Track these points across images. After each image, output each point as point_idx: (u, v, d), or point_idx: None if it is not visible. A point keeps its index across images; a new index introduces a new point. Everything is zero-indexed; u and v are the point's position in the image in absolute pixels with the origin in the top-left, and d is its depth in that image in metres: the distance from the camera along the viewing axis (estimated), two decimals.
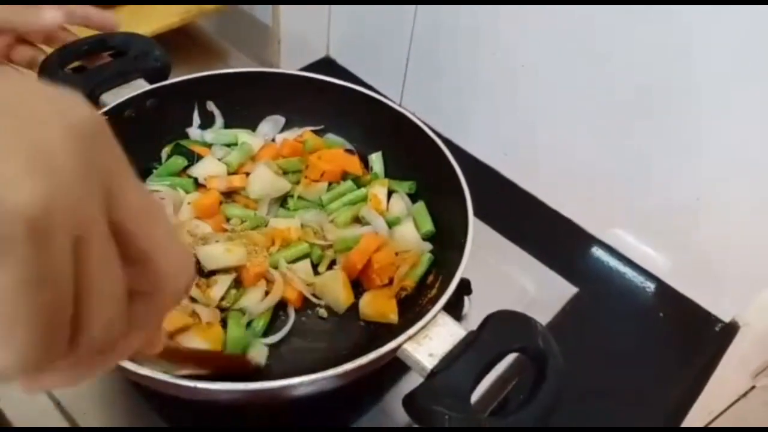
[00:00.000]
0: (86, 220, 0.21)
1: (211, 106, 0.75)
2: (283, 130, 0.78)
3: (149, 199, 0.25)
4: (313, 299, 0.64)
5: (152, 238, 0.24)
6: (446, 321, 0.51)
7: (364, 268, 0.63)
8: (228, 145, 0.75)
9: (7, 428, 0.59)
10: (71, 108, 0.23)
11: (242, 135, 0.75)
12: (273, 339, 0.61)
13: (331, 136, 0.78)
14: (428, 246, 0.67)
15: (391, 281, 0.63)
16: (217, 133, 0.75)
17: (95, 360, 0.25)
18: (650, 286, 0.82)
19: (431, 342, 0.49)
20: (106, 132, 0.24)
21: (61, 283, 0.21)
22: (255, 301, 0.61)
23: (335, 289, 0.62)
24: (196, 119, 0.75)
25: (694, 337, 0.77)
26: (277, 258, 0.64)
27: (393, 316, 0.61)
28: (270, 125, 0.77)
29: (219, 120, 0.76)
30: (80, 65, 0.69)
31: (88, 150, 0.22)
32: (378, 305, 0.61)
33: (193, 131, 0.75)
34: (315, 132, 0.77)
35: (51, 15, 0.64)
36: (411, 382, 0.61)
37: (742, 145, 0.66)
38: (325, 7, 1.01)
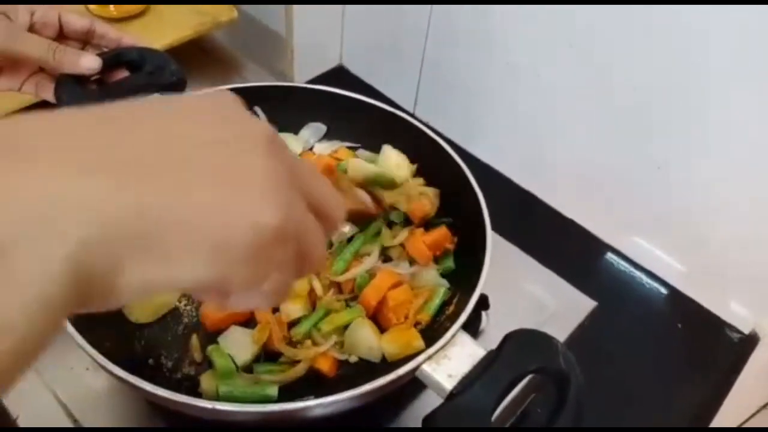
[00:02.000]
0: (301, 216, 0.30)
1: (257, 110, 0.76)
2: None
3: (314, 170, 0.33)
4: (343, 356, 0.60)
5: (325, 197, 0.33)
6: (465, 340, 0.51)
7: (379, 305, 0.61)
8: None
9: (11, 428, 0.60)
10: (255, 127, 0.29)
11: (285, 138, 0.75)
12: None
13: (363, 152, 0.77)
14: (445, 283, 0.65)
15: (406, 318, 0.61)
16: None
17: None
18: (668, 297, 0.80)
19: (450, 362, 0.49)
20: (278, 138, 0.30)
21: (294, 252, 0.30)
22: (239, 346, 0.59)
23: (368, 341, 0.59)
24: None
25: (713, 349, 0.76)
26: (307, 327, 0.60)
27: (418, 344, 0.57)
28: (311, 131, 0.78)
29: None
30: (96, 80, 0.69)
31: (282, 162, 0.29)
32: (401, 341, 0.58)
33: None
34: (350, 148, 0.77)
35: (89, 65, 0.64)
36: (428, 400, 0.60)
37: (758, 147, 0.65)
38: (338, 16, 1.01)
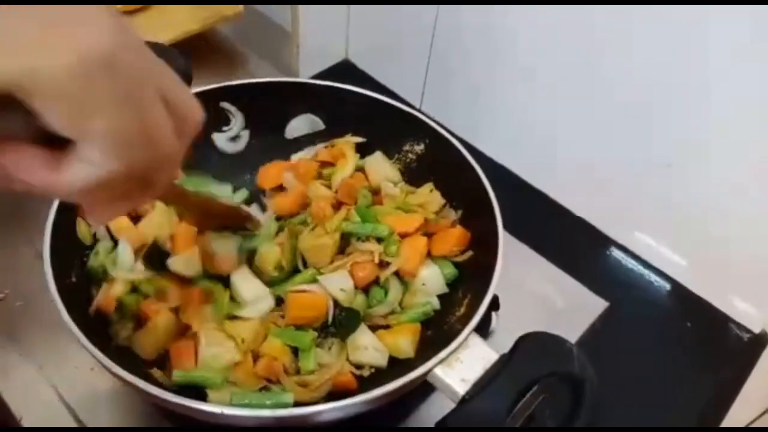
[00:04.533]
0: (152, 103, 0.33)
1: (229, 107, 0.75)
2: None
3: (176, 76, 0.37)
4: (358, 372, 0.59)
5: (185, 100, 0.37)
6: (477, 342, 0.50)
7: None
8: None
9: (14, 428, 0.59)
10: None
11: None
12: None
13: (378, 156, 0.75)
14: (436, 302, 0.64)
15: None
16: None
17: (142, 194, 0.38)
18: (678, 297, 0.80)
19: (462, 366, 0.48)
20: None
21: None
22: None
23: (371, 343, 0.58)
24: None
25: (723, 348, 0.76)
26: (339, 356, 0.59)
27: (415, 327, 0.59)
28: (304, 122, 0.76)
29: (239, 120, 0.75)
30: None
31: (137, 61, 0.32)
32: (396, 333, 0.58)
33: (217, 137, 0.75)
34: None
35: None
36: (436, 403, 0.60)
37: (762, 144, 0.65)
38: (344, 10, 1.00)
